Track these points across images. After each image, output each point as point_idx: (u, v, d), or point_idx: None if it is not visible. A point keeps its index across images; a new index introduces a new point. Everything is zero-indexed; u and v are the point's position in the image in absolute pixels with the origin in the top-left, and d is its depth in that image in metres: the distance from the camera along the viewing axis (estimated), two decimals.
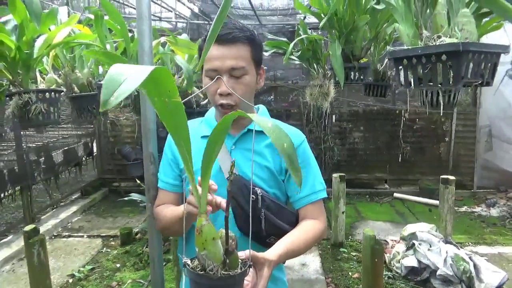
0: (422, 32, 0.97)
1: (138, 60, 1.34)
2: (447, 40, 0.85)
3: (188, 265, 0.79)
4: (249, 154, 1.14)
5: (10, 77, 1.42)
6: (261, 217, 1.08)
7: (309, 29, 2.52)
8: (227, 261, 0.76)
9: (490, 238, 4.14)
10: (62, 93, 1.57)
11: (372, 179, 5.85)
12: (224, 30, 1.04)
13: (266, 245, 1.09)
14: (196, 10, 6.77)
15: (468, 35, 0.89)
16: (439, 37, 0.90)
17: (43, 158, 4.58)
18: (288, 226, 1.12)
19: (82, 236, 4.18)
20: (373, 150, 5.81)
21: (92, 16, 1.61)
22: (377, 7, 1.72)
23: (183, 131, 0.67)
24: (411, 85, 0.96)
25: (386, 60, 2.46)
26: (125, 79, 0.47)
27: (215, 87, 1.07)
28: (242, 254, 0.86)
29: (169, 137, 1.18)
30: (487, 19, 1.09)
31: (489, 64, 0.90)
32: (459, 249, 3.14)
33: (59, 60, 1.83)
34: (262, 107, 1.27)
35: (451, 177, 3.56)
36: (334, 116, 5.59)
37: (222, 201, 0.89)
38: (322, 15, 1.91)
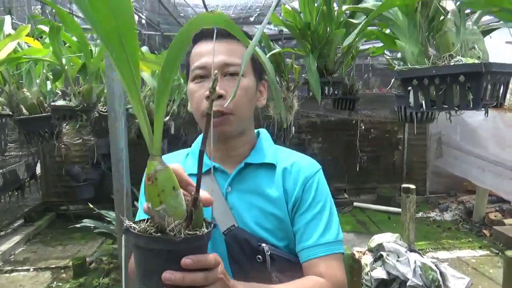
0: (429, 50, 0.91)
1: (106, 75, 1.17)
2: (465, 60, 0.79)
3: (134, 228, 0.56)
4: (250, 197, 0.89)
5: None
6: (273, 281, 0.83)
7: (271, 40, 2.45)
8: (193, 217, 0.55)
9: (447, 242, 4.29)
10: (10, 117, 1.35)
11: (332, 190, 5.80)
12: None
13: None
14: (143, 21, 6.53)
15: (481, 54, 0.84)
16: (451, 56, 0.84)
17: None
18: None
19: (28, 270, 3.74)
20: (332, 160, 5.87)
21: (43, 27, 1.41)
22: (353, 21, 1.68)
23: (132, 44, 0.49)
24: (422, 107, 0.89)
25: (353, 73, 2.47)
26: None
27: (201, 91, 0.83)
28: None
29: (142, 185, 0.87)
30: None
31: (503, 85, 0.85)
32: (423, 257, 3.19)
33: (1, 76, 1.59)
34: (263, 131, 1.01)
35: (412, 186, 3.63)
36: (293, 128, 5.58)
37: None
38: (296, 29, 1.85)
